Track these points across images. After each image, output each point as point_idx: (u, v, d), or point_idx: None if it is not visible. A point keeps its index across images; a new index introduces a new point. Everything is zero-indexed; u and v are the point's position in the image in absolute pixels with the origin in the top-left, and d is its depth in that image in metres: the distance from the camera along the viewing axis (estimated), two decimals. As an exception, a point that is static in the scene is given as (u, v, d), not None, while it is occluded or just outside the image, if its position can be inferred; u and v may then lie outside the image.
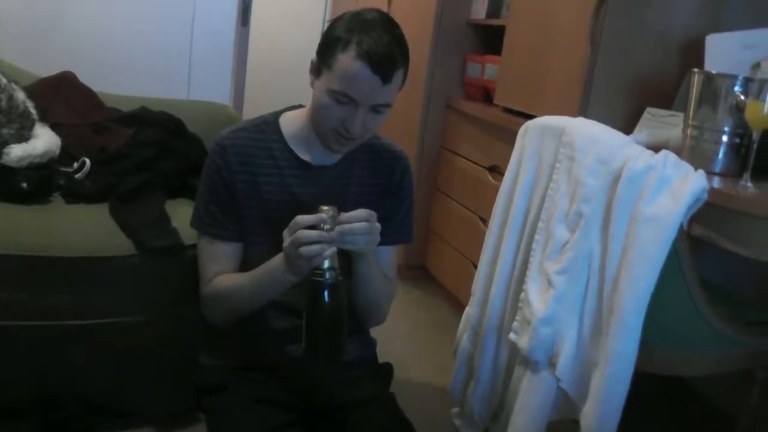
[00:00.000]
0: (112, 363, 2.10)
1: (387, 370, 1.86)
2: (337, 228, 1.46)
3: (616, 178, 1.74)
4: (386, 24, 1.54)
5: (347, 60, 1.50)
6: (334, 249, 1.46)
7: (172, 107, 2.83)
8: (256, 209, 1.67)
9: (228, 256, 1.70)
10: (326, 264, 1.46)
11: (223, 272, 1.69)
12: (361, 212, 1.50)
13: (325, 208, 1.46)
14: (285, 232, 1.49)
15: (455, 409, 2.37)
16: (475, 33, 3.71)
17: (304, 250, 1.44)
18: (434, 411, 2.49)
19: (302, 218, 1.46)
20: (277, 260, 1.55)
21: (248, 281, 1.64)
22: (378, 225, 1.54)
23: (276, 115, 1.73)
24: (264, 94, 4.35)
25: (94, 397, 2.10)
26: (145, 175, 2.40)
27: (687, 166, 1.69)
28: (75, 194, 2.35)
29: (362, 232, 1.50)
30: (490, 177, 3.16)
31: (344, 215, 1.48)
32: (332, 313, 1.49)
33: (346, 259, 1.58)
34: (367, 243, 1.54)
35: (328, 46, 1.54)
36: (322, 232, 1.45)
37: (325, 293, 1.47)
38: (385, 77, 1.51)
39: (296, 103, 1.79)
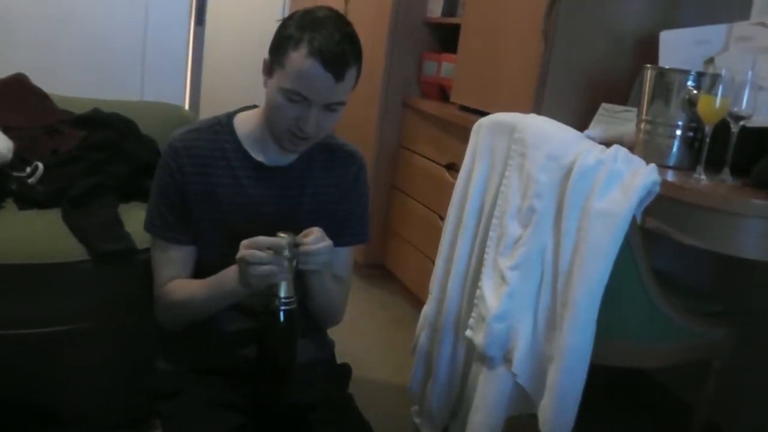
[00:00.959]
0: (65, 370, 2.06)
1: (345, 370, 1.85)
2: (302, 249, 1.48)
3: (568, 174, 1.75)
4: (338, 22, 1.53)
5: (299, 58, 1.49)
6: (289, 278, 1.47)
7: (125, 108, 2.79)
8: (210, 212, 1.65)
9: (181, 261, 1.69)
10: (282, 292, 1.47)
11: (176, 277, 1.68)
12: (317, 235, 1.51)
13: (283, 235, 1.46)
14: (244, 243, 1.48)
15: (414, 408, 2.37)
16: (431, 31, 3.72)
17: (253, 269, 1.45)
18: (394, 410, 2.48)
19: (263, 239, 1.46)
20: (231, 271, 1.54)
21: (200, 289, 1.63)
22: (330, 241, 1.55)
23: (230, 116, 1.71)
24: (221, 94, 4.30)
25: (47, 406, 2.06)
26: (98, 179, 2.36)
27: (638, 161, 1.71)
28: (27, 199, 2.30)
29: (323, 252, 1.51)
30: (447, 174, 3.17)
31: (304, 240, 1.49)
32: (285, 341, 1.52)
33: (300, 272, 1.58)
34: (325, 263, 1.56)
35: (280, 44, 1.53)
36: (274, 256, 1.45)
37: (280, 320, 1.49)
38: (338, 75, 1.50)
39: (254, 103, 1.77)
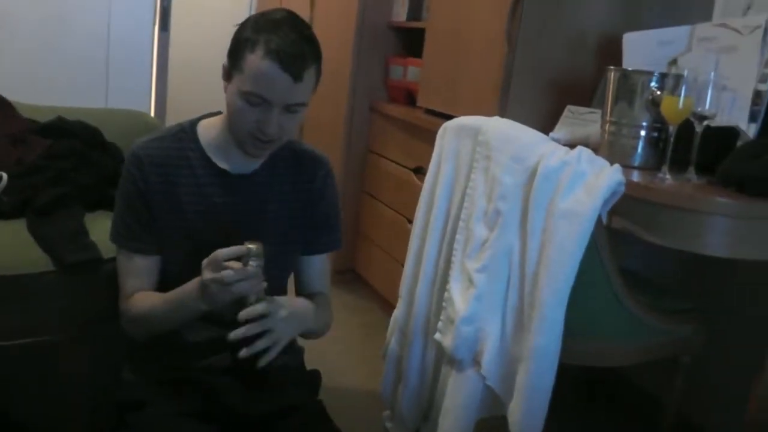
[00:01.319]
0: (30, 383, 2.03)
1: (314, 377, 1.84)
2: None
3: (532, 175, 1.75)
4: (294, 23, 1.53)
5: (256, 60, 1.48)
6: (260, 288, 1.46)
7: (90, 116, 2.76)
8: (175, 220, 1.64)
9: (146, 271, 1.67)
10: (252, 298, 1.46)
11: (140, 288, 1.66)
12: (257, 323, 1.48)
13: (251, 246, 1.43)
14: (204, 263, 1.46)
15: (386, 412, 2.37)
16: (397, 35, 3.73)
17: (223, 293, 1.43)
18: (365, 416, 2.48)
19: (223, 252, 1.43)
20: (191, 287, 1.52)
21: (162, 304, 1.61)
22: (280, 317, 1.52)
23: (193, 123, 1.70)
24: (187, 100, 4.28)
25: (11, 418, 2.03)
26: (62, 188, 2.34)
27: (602, 161, 1.72)
28: (-8, 210, 2.27)
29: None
30: (415, 178, 3.17)
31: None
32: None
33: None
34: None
35: (237, 48, 1.53)
36: (246, 270, 1.42)
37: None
38: (296, 76, 1.49)
39: (220, 110, 1.75)
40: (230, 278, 1.41)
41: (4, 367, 2.00)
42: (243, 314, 1.44)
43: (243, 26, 1.55)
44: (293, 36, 1.49)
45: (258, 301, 1.45)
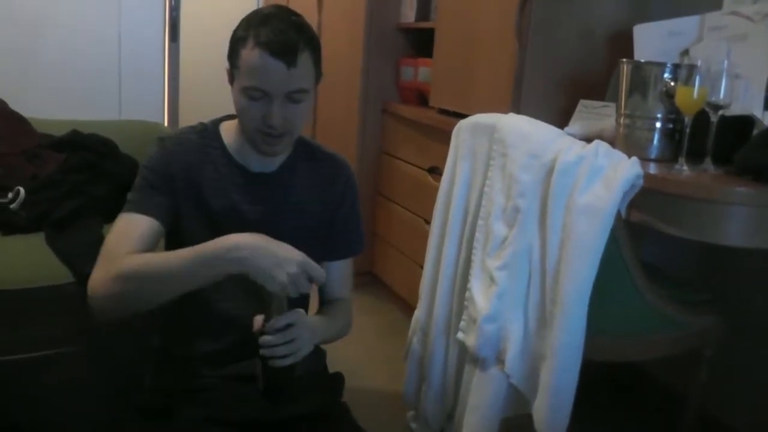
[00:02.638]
0: (52, 394, 2.04)
1: (338, 380, 1.84)
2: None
3: (549, 171, 1.75)
4: (283, 14, 1.56)
5: (248, 53, 1.51)
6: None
7: (104, 128, 2.79)
8: (197, 209, 1.63)
9: (146, 235, 1.54)
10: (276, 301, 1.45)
11: (132, 252, 1.50)
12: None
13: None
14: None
15: (410, 413, 2.37)
16: (406, 37, 3.72)
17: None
18: (389, 417, 2.48)
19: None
20: (213, 242, 1.44)
21: (168, 256, 1.47)
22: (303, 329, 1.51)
23: (215, 123, 1.72)
24: (199, 109, 4.28)
25: (34, 430, 2.04)
26: (79, 201, 2.36)
27: (619, 155, 1.71)
28: (10, 225, 2.30)
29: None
30: (430, 178, 3.16)
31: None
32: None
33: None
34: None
35: (233, 48, 1.56)
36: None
37: None
38: (288, 62, 1.50)
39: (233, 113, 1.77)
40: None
41: (25, 378, 2.01)
42: (271, 324, 1.44)
43: (237, 27, 1.58)
44: (282, 26, 1.51)
45: (279, 308, 1.45)
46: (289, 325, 1.46)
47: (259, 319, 1.47)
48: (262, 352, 1.44)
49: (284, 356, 1.45)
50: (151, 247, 1.54)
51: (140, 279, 1.45)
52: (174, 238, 1.61)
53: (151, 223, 1.56)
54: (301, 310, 1.53)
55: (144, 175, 1.62)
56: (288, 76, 1.51)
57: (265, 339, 1.44)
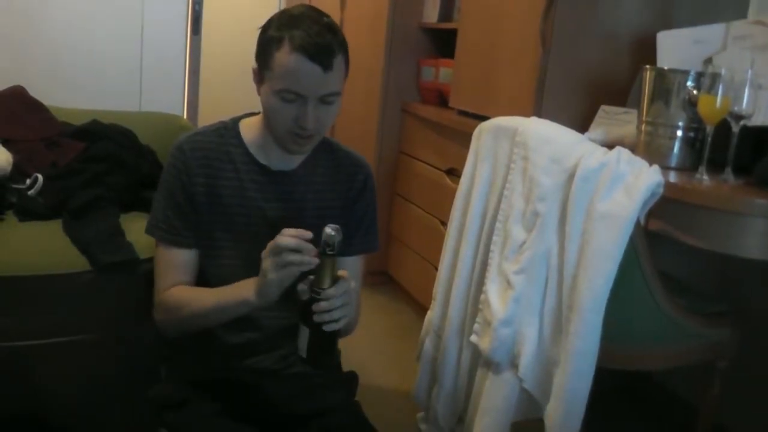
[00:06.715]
0: (68, 382, 2.06)
1: (351, 378, 1.84)
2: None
3: (570, 177, 1.74)
4: (314, 15, 1.55)
5: (284, 56, 1.50)
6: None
7: (124, 119, 2.80)
8: (216, 214, 1.65)
9: (184, 265, 1.66)
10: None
11: (179, 282, 1.66)
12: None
13: (331, 232, 1.40)
14: (264, 253, 1.45)
15: (420, 414, 2.37)
16: (428, 37, 3.72)
17: (285, 258, 1.41)
18: (400, 417, 2.48)
19: (283, 241, 1.41)
20: (247, 282, 1.51)
21: (207, 296, 1.60)
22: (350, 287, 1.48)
23: (235, 121, 1.72)
24: (219, 103, 4.29)
25: (50, 418, 2.06)
26: (98, 190, 2.36)
27: (641, 162, 1.70)
28: (28, 211, 2.30)
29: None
30: (448, 180, 3.16)
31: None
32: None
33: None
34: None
35: (264, 49, 1.55)
36: (306, 245, 1.41)
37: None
38: (325, 65, 1.50)
39: (253, 111, 1.77)
40: (285, 243, 1.40)
41: (41, 365, 2.03)
42: (327, 291, 1.42)
43: (266, 27, 1.57)
44: (316, 28, 1.51)
45: (332, 271, 1.43)
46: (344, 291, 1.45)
47: (303, 289, 1.45)
48: (316, 318, 1.42)
49: (338, 320, 1.44)
50: (194, 269, 1.68)
51: (175, 316, 1.64)
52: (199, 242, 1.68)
53: (185, 253, 1.66)
54: (344, 271, 1.50)
55: (163, 187, 1.67)
56: (324, 80, 1.51)
57: (322, 305, 1.42)
